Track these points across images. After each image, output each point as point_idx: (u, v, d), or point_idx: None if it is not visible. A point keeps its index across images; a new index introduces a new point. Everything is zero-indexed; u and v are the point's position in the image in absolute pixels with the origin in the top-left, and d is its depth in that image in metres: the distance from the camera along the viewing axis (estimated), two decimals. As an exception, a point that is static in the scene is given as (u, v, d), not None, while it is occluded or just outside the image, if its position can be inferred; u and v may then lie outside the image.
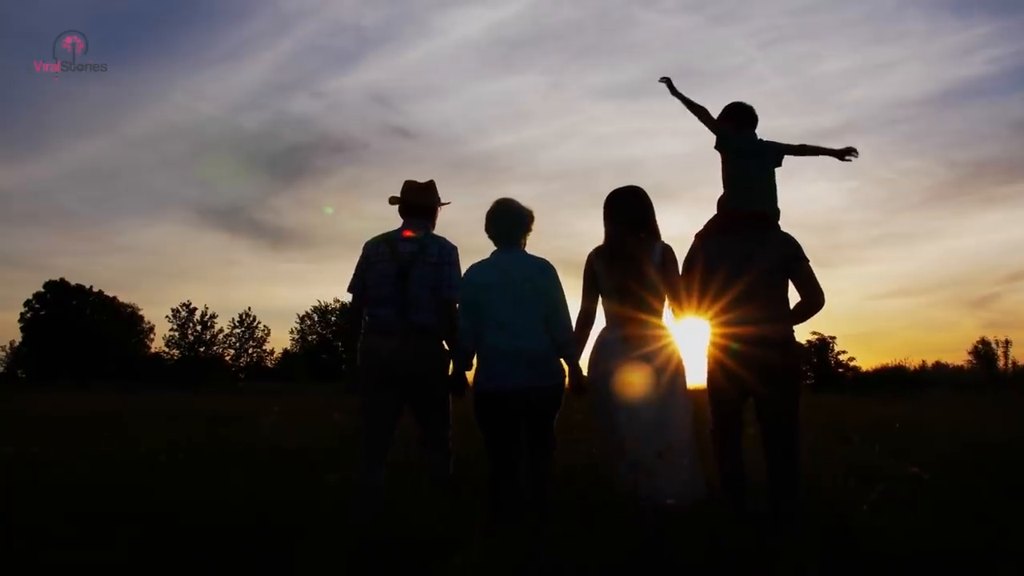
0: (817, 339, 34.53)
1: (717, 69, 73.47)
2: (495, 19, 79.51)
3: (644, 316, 3.36)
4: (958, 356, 46.88)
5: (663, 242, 3.44)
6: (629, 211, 3.47)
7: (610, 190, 3.54)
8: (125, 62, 71.81)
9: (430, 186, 3.84)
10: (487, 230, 3.62)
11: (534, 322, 3.45)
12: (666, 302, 3.41)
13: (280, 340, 64.92)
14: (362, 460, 3.62)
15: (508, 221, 3.59)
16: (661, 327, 3.39)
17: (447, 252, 3.67)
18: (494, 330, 3.50)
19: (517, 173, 77.28)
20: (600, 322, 3.54)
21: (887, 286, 75.28)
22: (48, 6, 68.59)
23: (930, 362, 35.48)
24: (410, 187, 3.81)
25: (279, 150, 78.05)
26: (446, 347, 3.73)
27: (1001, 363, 41.55)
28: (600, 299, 3.51)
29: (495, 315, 3.48)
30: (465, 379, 3.67)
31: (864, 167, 72.08)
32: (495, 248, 3.62)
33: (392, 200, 3.85)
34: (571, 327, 3.52)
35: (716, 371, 3.42)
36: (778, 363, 3.30)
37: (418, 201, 3.78)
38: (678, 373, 3.33)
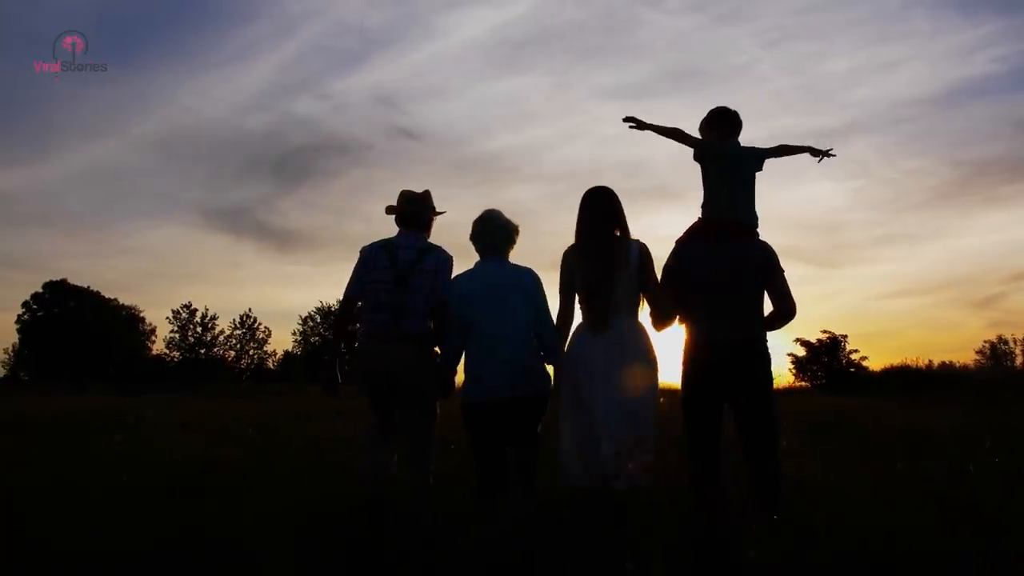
0: (828, 338, 33.93)
1: (721, 69, 72.81)
2: (499, 20, 78.74)
3: (620, 311, 3.40)
4: (964, 356, 46.34)
5: (639, 240, 3.50)
6: (603, 208, 3.52)
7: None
8: (130, 64, 71.90)
9: (425, 196, 3.92)
10: (472, 240, 3.71)
11: (518, 331, 3.52)
12: (643, 301, 3.48)
13: (284, 341, 64.36)
14: (368, 437, 3.80)
15: (494, 232, 3.68)
16: (637, 322, 3.45)
17: (443, 262, 3.76)
18: (479, 340, 3.57)
19: (522, 174, 76.84)
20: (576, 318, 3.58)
21: (891, 286, 74.49)
22: (53, 8, 67.93)
23: (936, 362, 34.70)
24: (406, 197, 3.89)
25: (284, 152, 77.72)
26: (437, 352, 3.79)
27: (1019, 361, 41.03)
28: (576, 296, 3.54)
29: (479, 325, 3.55)
30: (451, 382, 3.75)
31: (868, 167, 71.31)
32: (479, 259, 3.69)
33: (388, 210, 3.91)
34: (556, 330, 3.58)
35: (695, 375, 3.44)
36: (754, 368, 3.38)
37: (413, 211, 3.86)
38: (652, 369, 3.40)
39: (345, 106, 76.86)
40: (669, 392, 4.12)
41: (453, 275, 3.77)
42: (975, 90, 73.90)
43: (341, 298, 3.96)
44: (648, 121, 3.81)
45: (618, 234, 3.50)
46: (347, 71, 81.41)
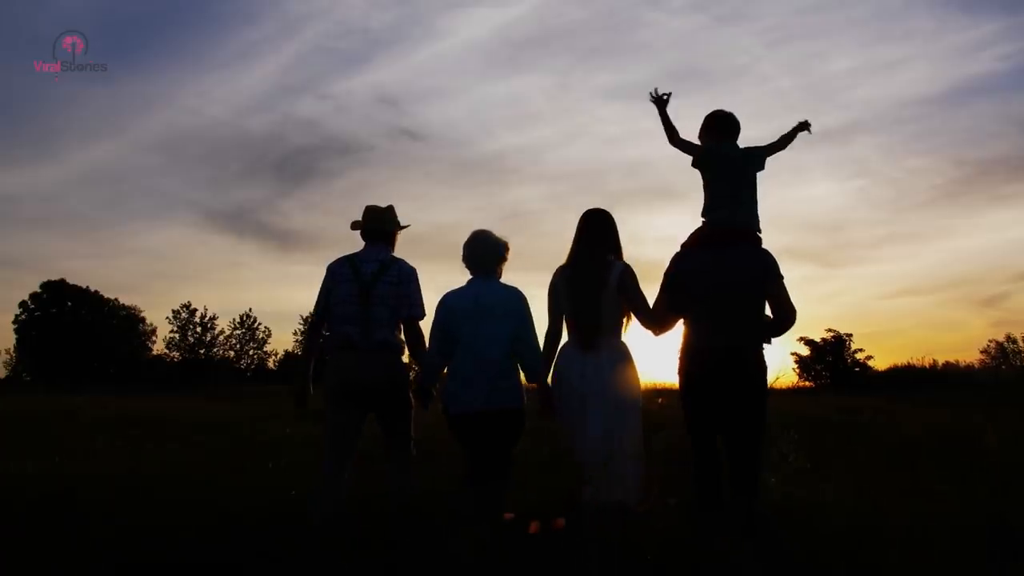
0: (832, 336, 33.35)
1: (724, 69, 72.53)
2: (501, 20, 78.77)
3: (602, 331, 3.53)
4: (968, 355, 45.55)
5: (623, 263, 3.63)
6: (594, 231, 3.65)
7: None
8: (132, 65, 72.19)
9: (389, 211, 4.04)
10: (464, 260, 3.81)
11: (502, 348, 3.64)
12: (632, 318, 3.61)
13: (286, 342, 63.89)
14: (326, 466, 3.80)
15: (484, 252, 3.79)
16: (618, 341, 3.60)
17: (407, 273, 3.90)
18: (463, 354, 3.69)
19: (524, 174, 76.69)
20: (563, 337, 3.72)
21: (894, 285, 73.66)
22: (56, 10, 67.66)
23: (940, 361, 33.97)
24: (370, 212, 4.01)
25: (286, 152, 77.43)
26: (406, 361, 3.95)
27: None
28: (563, 315, 3.67)
29: (465, 340, 3.68)
30: (430, 392, 3.88)
31: (871, 166, 70.81)
32: (471, 276, 3.80)
33: (354, 225, 4.03)
34: (539, 350, 3.70)
35: (691, 379, 3.47)
36: (749, 375, 3.37)
37: (377, 226, 3.99)
38: (632, 386, 3.53)
39: (347, 107, 76.89)
40: (670, 392, 4.05)
41: (450, 287, 3.88)
42: (978, 89, 73.42)
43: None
44: (667, 114, 3.85)
45: (606, 255, 3.64)
46: (349, 72, 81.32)
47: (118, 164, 74.62)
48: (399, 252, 4.08)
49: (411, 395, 3.96)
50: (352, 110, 77.11)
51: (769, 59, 73.83)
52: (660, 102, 3.84)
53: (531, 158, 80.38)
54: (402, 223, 4.08)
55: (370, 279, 3.82)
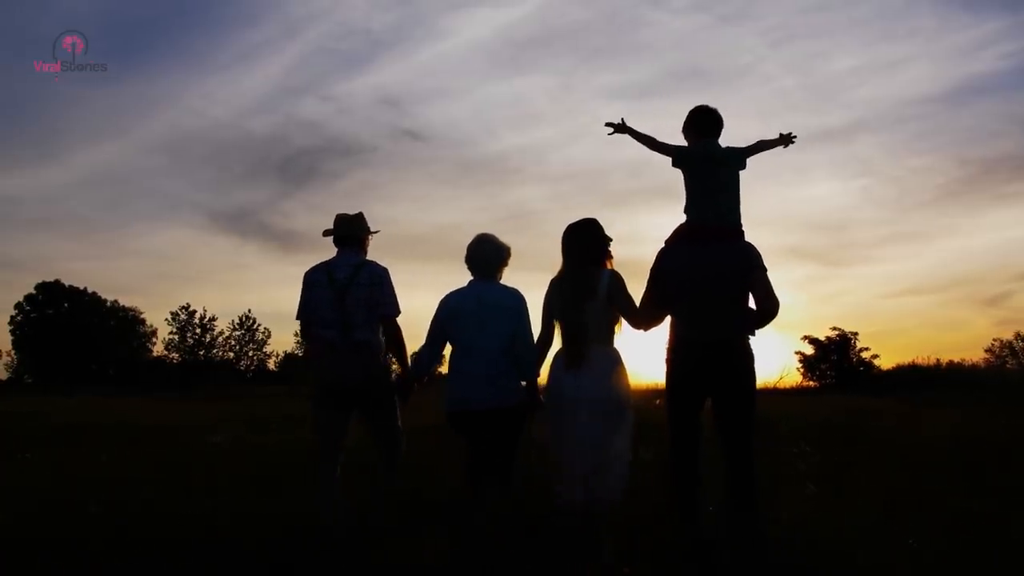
0: (837, 335, 33.05)
1: (726, 68, 72.07)
2: (504, 21, 78.45)
3: (593, 338, 3.57)
4: (972, 354, 45.10)
5: (611, 269, 3.70)
6: (582, 242, 3.70)
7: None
8: (135, 66, 72.19)
9: (358, 218, 4.25)
10: (467, 261, 3.92)
11: (500, 347, 3.73)
12: (622, 321, 3.66)
13: (288, 343, 63.69)
14: (320, 464, 4.00)
15: (487, 255, 3.90)
16: (610, 349, 3.64)
17: (378, 275, 4.07)
18: (462, 353, 3.81)
19: (527, 174, 76.50)
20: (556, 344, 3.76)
21: (897, 284, 73.26)
22: (56, 10, 67.58)
23: (944, 360, 33.65)
24: (340, 220, 4.21)
25: (289, 154, 77.36)
26: (386, 359, 4.11)
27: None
28: (556, 323, 3.72)
29: (464, 339, 3.79)
30: (411, 387, 4.10)
31: (874, 165, 70.56)
32: (471, 278, 3.91)
33: (325, 233, 4.23)
34: (535, 349, 3.78)
35: (676, 373, 3.52)
36: (735, 366, 3.42)
37: (347, 232, 4.18)
38: (624, 392, 3.55)
39: (350, 108, 76.77)
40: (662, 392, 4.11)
41: (453, 286, 3.96)
42: (981, 88, 73.06)
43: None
44: (631, 126, 3.84)
45: (595, 264, 3.66)
46: (351, 73, 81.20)
47: (121, 165, 74.84)
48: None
49: (394, 392, 4.13)
50: (354, 111, 77.14)
51: (772, 59, 73.61)
52: (621, 129, 3.86)
53: (534, 158, 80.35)
54: (372, 228, 4.30)
55: (344, 284, 4.00)
